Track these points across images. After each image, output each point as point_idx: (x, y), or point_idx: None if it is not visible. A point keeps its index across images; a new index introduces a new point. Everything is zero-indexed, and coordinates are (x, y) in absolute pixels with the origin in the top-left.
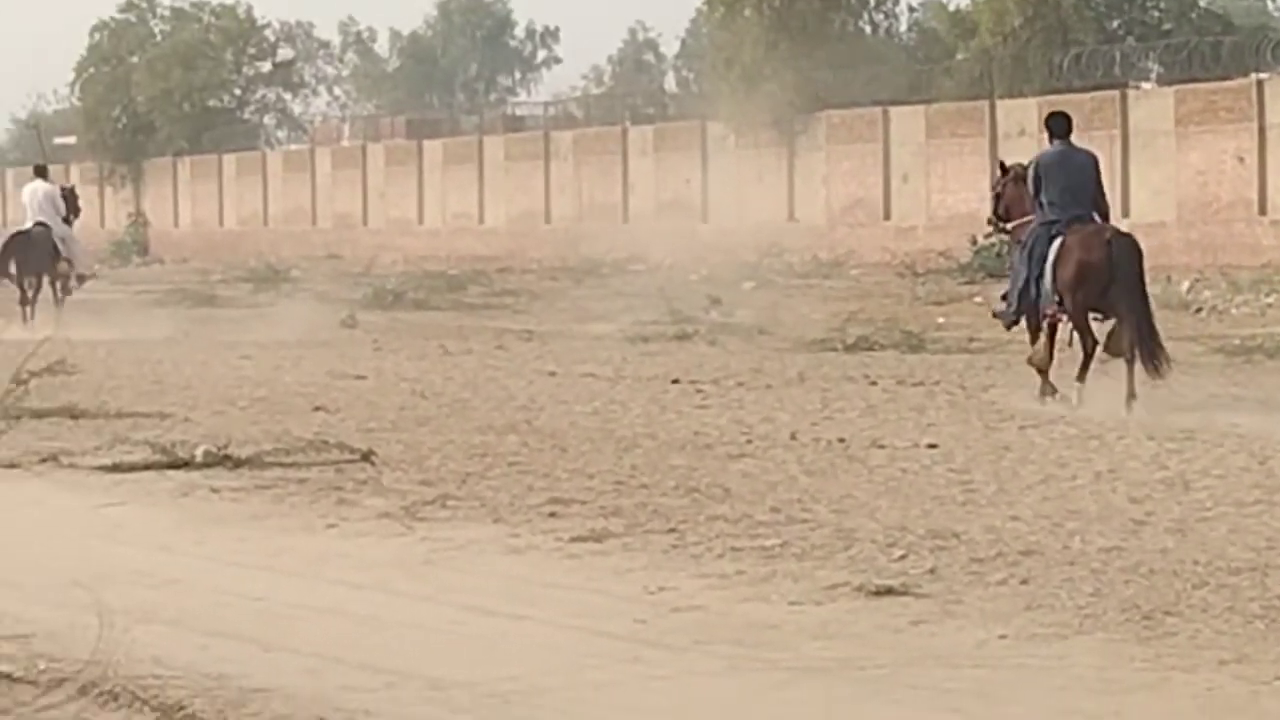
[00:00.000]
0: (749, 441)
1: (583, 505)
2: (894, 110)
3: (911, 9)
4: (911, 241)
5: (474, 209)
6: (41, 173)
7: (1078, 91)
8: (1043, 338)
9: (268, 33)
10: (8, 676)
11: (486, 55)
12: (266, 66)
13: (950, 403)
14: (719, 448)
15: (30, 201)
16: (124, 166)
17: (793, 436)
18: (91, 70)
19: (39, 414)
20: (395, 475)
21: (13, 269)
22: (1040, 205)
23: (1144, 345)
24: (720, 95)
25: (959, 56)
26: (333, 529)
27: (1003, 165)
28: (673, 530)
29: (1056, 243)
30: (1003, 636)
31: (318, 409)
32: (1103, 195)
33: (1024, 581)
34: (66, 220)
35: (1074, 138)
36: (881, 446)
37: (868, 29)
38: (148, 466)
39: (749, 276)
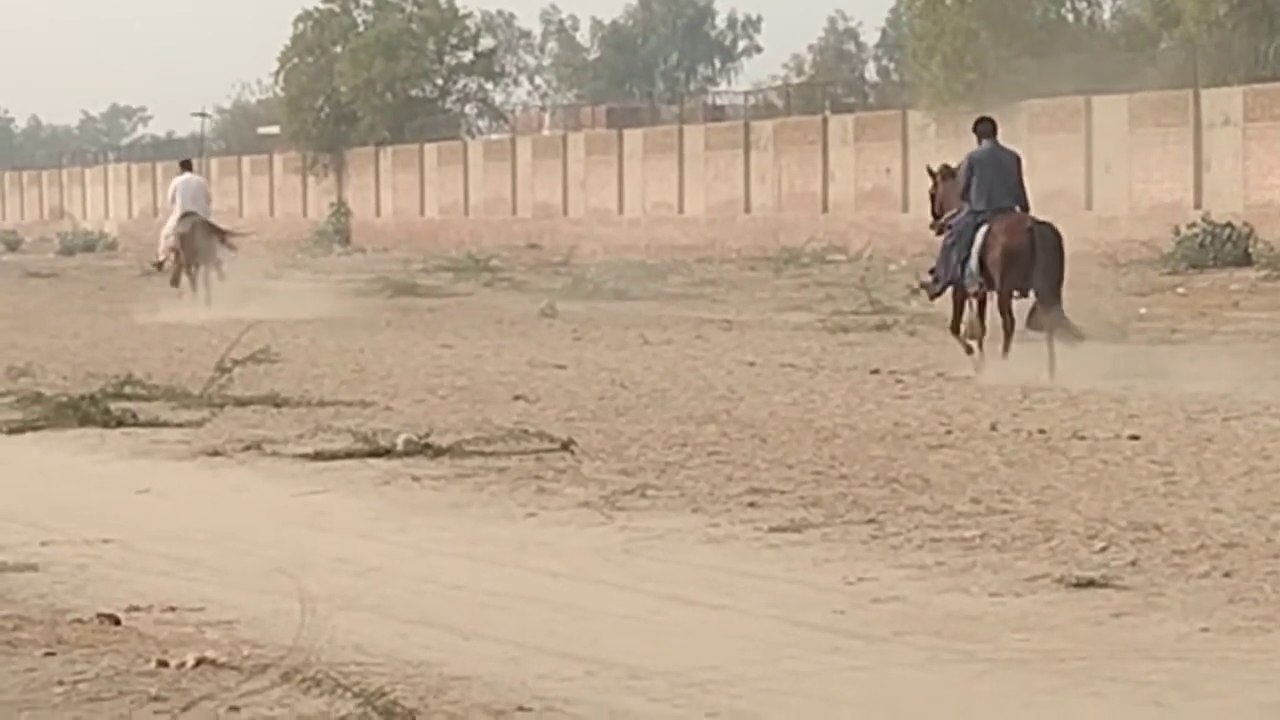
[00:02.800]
0: (949, 432)
1: (782, 495)
2: (1096, 99)
3: None
4: (1114, 231)
5: (674, 198)
6: (188, 166)
7: None
8: (971, 312)
9: (469, 22)
10: (212, 662)
11: (687, 44)
12: (468, 56)
13: (1152, 394)
14: (919, 438)
15: (183, 193)
16: (326, 156)
17: (993, 427)
18: (295, 60)
19: (242, 402)
20: (595, 464)
21: (183, 255)
22: (969, 197)
23: (1057, 326)
24: (921, 84)
25: (1163, 45)
26: (532, 518)
27: (930, 170)
28: (872, 521)
29: (982, 230)
30: (1205, 630)
31: (517, 398)
32: (1024, 190)
33: (1227, 574)
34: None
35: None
36: (1082, 438)
37: (1070, 17)
38: (349, 455)
39: None
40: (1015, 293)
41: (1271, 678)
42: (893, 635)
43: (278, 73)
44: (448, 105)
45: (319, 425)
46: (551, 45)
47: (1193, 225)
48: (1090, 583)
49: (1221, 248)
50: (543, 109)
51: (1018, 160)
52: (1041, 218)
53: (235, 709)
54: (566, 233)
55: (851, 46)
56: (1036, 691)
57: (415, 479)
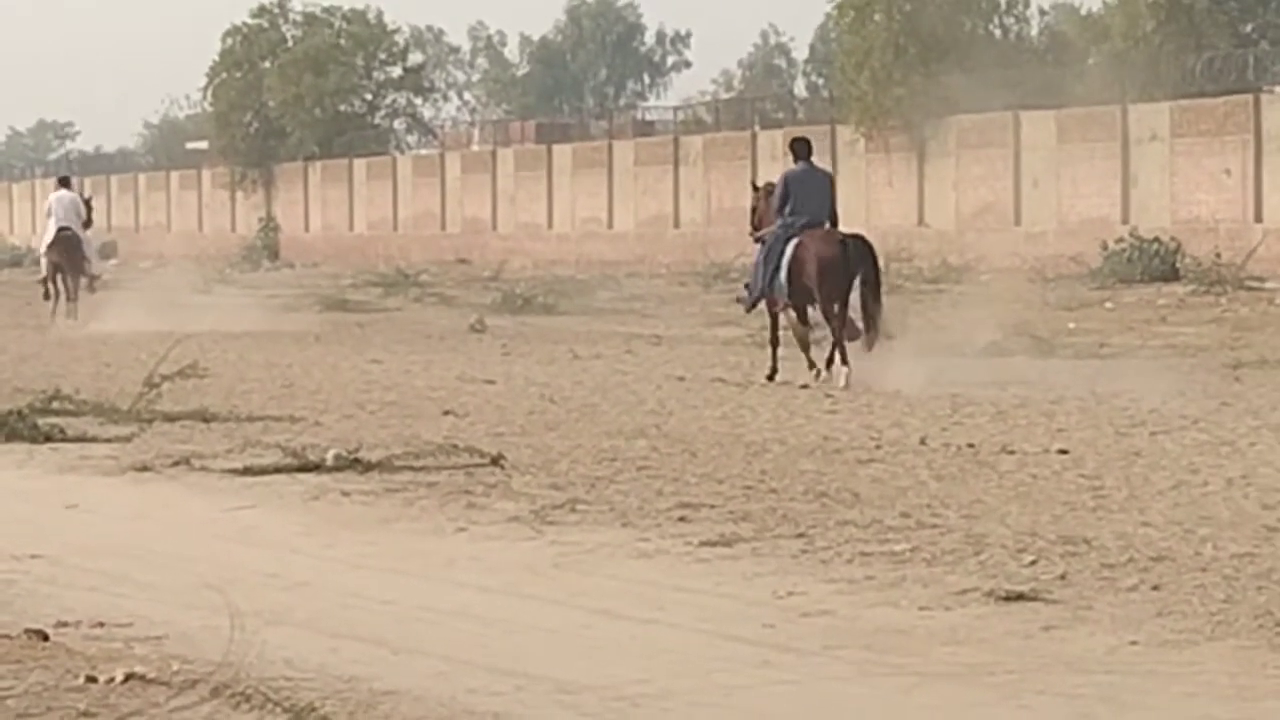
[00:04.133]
0: (878, 447)
1: (712, 510)
2: (1025, 115)
3: (1043, 12)
4: (1042, 247)
5: (603, 214)
6: (65, 183)
7: (1210, 96)
8: (794, 323)
9: (398, 38)
10: (142, 678)
11: (616, 60)
12: (397, 71)
13: (1081, 408)
14: (848, 453)
15: (57, 208)
16: (255, 171)
17: (922, 441)
18: (224, 75)
19: (171, 417)
20: (524, 479)
21: (55, 268)
22: (783, 214)
23: (872, 326)
24: (850, 99)
25: (1090, 60)
26: (462, 532)
27: (754, 185)
28: (802, 535)
29: (792, 244)
30: (1134, 643)
31: (447, 413)
32: (835, 208)
33: (1155, 588)
34: (85, 226)
35: (1094, 145)
36: (1012, 452)
37: (998, 33)
38: (278, 470)
39: None
40: (835, 303)
41: (1200, 691)
42: (823, 649)
43: (206, 88)
44: (377, 121)
45: (248, 440)
46: (480, 61)
47: (1120, 240)
48: (1019, 596)
49: (1149, 263)
50: (472, 124)
51: (831, 180)
52: (849, 231)
53: None
54: (496, 248)
55: (781, 62)
56: (966, 704)
57: (345, 494)
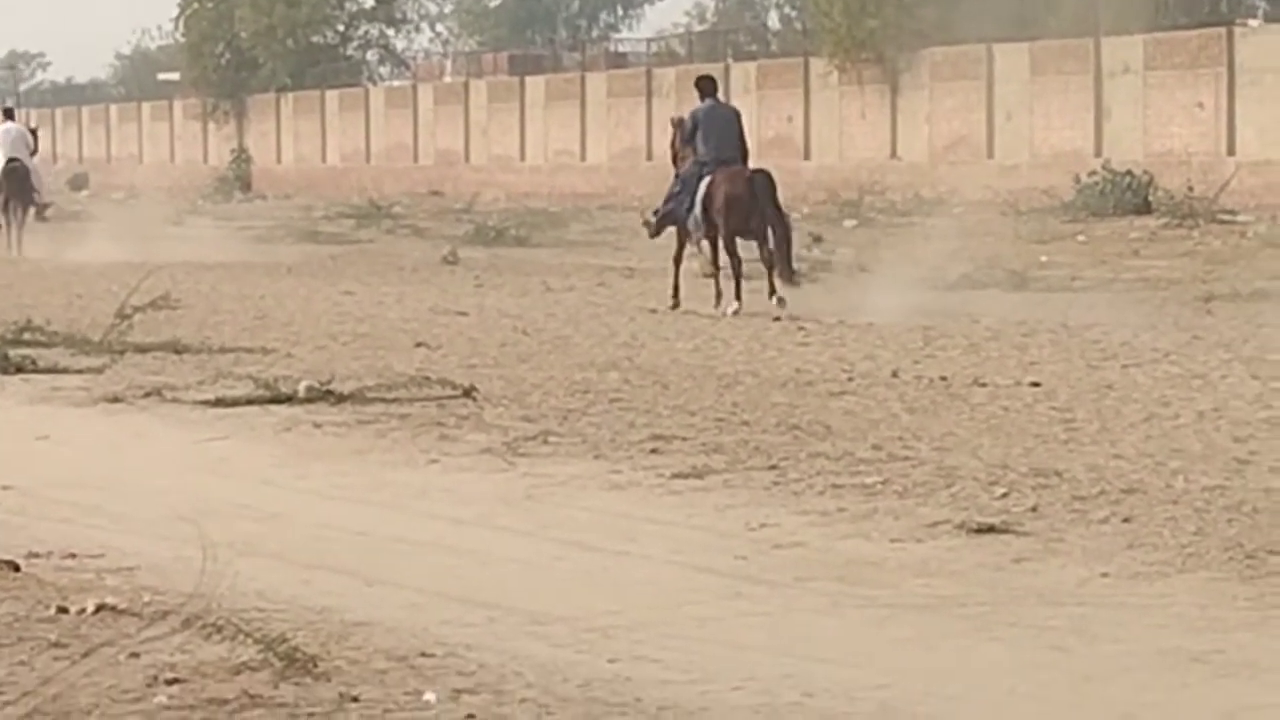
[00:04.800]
0: (850, 379)
1: (684, 442)
2: (998, 47)
3: None
4: (1015, 179)
5: (576, 146)
6: (9, 114)
7: (1184, 28)
8: (704, 256)
9: None
10: (113, 608)
11: None
12: (369, 2)
13: (1053, 341)
14: (820, 385)
15: (4, 140)
16: (227, 102)
17: (894, 374)
18: (195, 6)
19: (143, 348)
20: (497, 411)
21: (9, 199)
22: (695, 149)
23: (781, 260)
24: (823, 31)
25: None
26: (434, 464)
27: (672, 120)
28: (774, 467)
29: (705, 180)
30: (1105, 575)
31: (420, 345)
32: (744, 142)
33: (1126, 520)
34: (32, 155)
35: (1054, 77)
36: (983, 384)
37: None
38: (250, 401)
39: (851, 214)
40: (738, 234)
41: (1170, 623)
42: (795, 581)
43: (178, 18)
44: (349, 52)
45: (220, 372)
46: None
47: (1093, 173)
48: (991, 528)
49: (1122, 196)
50: (444, 56)
51: (738, 115)
52: (756, 167)
53: (135, 655)
54: (468, 180)
55: None
56: (938, 636)
57: (317, 425)
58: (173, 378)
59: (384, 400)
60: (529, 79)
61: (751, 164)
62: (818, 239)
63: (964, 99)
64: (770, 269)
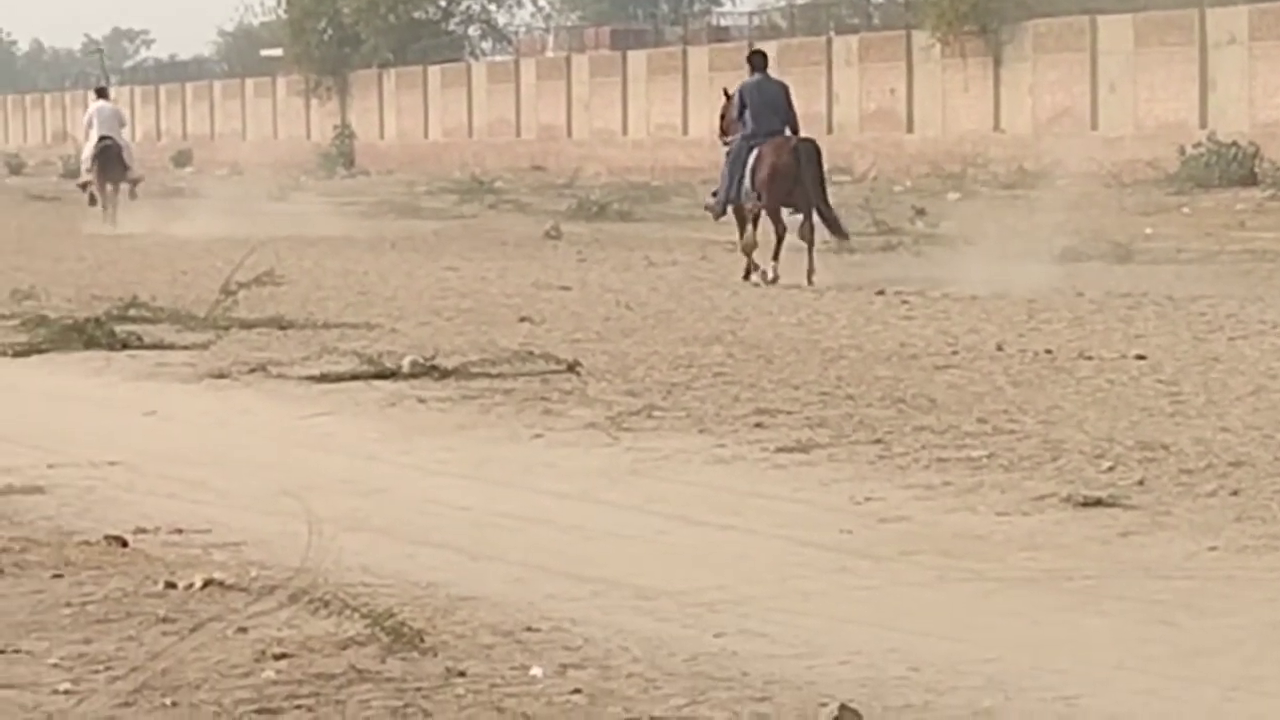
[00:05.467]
0: (955, 352)
1: (788, 416)
2: (1102, 19)
3: None
4: (1119, 152)
5: (678, 120)
6: (103, 93)
7: None
8: (749, 228)
9: None
10: (220, 583)
11: None
12: None
13: (1158, 313)
14: (925, 359)
15: (97, 119)
16: (330, 79)
17: (999, 347)
18: None
19: (247, 324)
20: (601, 385)
21: (98, 176)
22: (744, 123)
23: (828, 225)
24: (926, 4)
25: None
26: (538, 439)
27: (725, 92)
28: (879, 441)
29: (754, 152)
30: (1212, 548)
31: (523, 319)
32: (793, 114)
33: (1234, 493)
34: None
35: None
36: (1089, 357)
37: None
38: (355, 377)
39: (954, 187)
40: (782, 204)
41: (1278, 595)
42: (900, 555)
43: None
44: (451, 27)
45: (324, 347)
46: None
47: (1198, 145)
48: (1097, 502)
49: (1227, 167)
50: (546, 31)
51: (785, 90)
52: (804, 136)
53: (243, 630)
54: (570, 154)
55: None
56: (1044, 610)
57: (421, 401)
58: (277, 353)
59: (488, 375)
60: (631, 53)
61: (804, 134)
62: (921, 212)
63: (1067, 71)
64: (810, 245)
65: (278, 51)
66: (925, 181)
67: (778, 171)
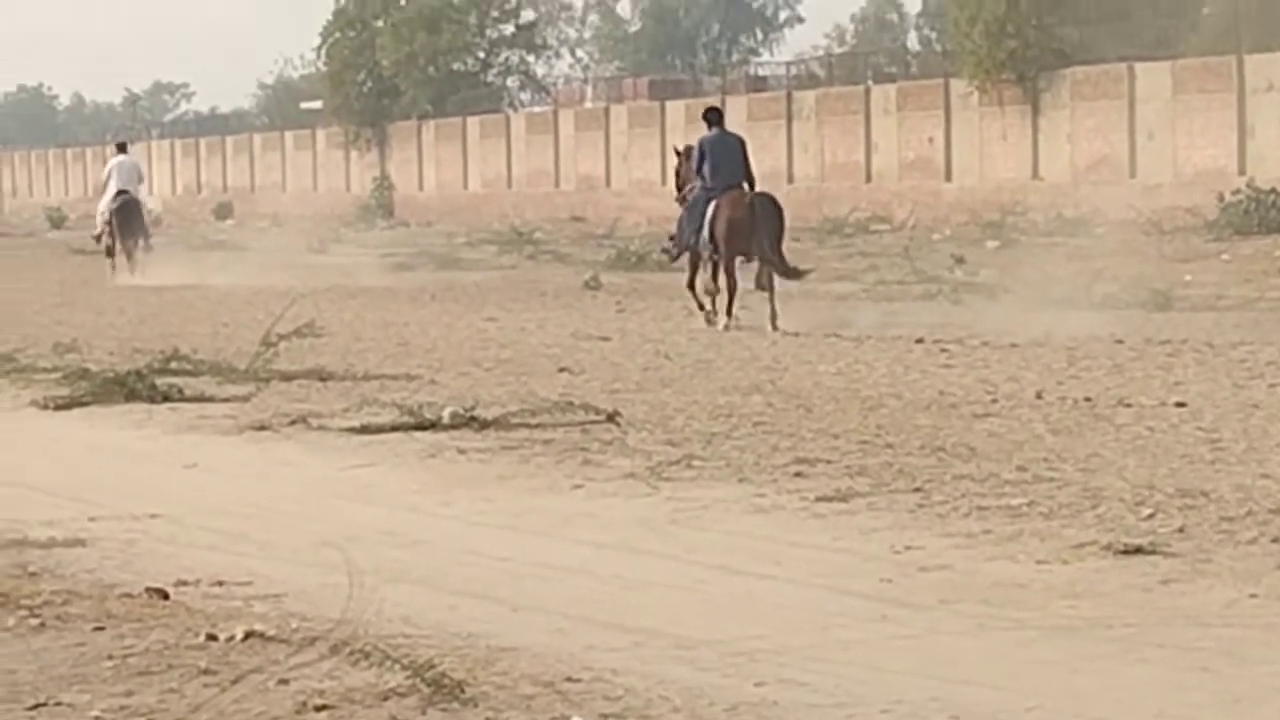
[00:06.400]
0: (994, 400)
1: (828, 465)
2: (1140, 66)
3: None
4: (1158, 199)
5: None
6: (123, 148)
7: None
8: (706, 275)
9: None
10: (261, 635)
11: (728, 15)
12: (510, 29)
13: (1198, 360)
14: (964, 407)
15: (118, 173)
16: (369, 130)
17: (1038, 395)
18: (337, 35)
19: (288, 376)
20: (640, 435)
21: (115, 230)
22: (702, 176)
23: (781, 272)
24: (963, 53)
25: (1205, 10)
26: (579, 489)
27: (675, 149)
28: (918, 489)
29: (712, 205)
30: (1253, 595)
31: (562, 370)
32: (749, 168)
33: (1275, 540)
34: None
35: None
36: (1129, 405)
37: None
38: (395, 428)
39: (993, 235)
40: (739, 257)
41: None
42: (940, 603)
43: (320, 47)
44: (490, 78)
45: (364, 399)
46: (592, 18)
47: (1237, 192)
48: (1138, 549)
49: (1266, 214)
50: (585, 81)
51: (742, 143)
52: (760, 190)
53: (285, 681)
54: (609, 205)
55: (893, 15)
56: (1085, 658)
57: (461, 451)
58: (318, 405)
59: (528, 426)
60: (669, 103)
61: (760, 188)
62: (960, 260)
63: (1105, 118)
64: (771, 291)
65: (317, 104)
66: (964, 230)
67: (734, 225)
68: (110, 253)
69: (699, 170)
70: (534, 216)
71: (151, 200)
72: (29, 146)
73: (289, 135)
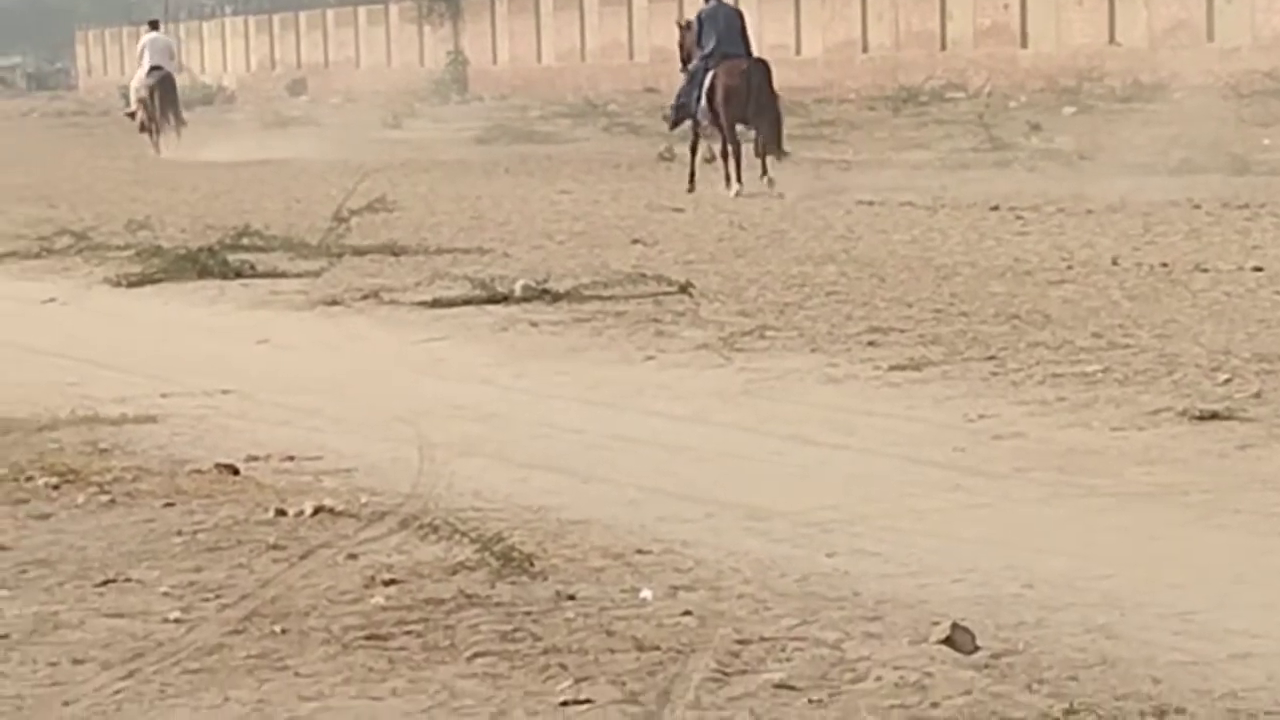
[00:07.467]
0: (1069, 268)
1: (901, 334)
2: None
3: None
4: (1236, 63)
5: (790, 39)
6: (155, 25)
7: None
8: (706, 143)
9: None
10: (330, 510)
11: None
12: None
13: (1276, 224)
14: (1039, 274)
15: (150, 50)
16: (442, 5)
17: (1114, 261)
18: None
19: (360, 251)
20: (713, 306)
21: (149, 106)
22: (701, 47)
23: (772, 140)
24: None
25: None
26: (651, 361)
27: (678, 23)
28: (992, 357)
29: (710, 74)
30: None
31: (635, 242)
32: (746, 38)
33: None
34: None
35: None
36: (1205, 270)
37: None
38: (467, 302)
39: (1069, 101)
40: (737, 122)
41: None
42: (1014, 471)
43: None
44: None
45: (436, 273)
46: None
47: None
48: (1214, 415)
49: None
50: None
51: (739, 14)
52: (756, 57)
53: (353, 556)
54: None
55: None
56: (1161, 525)
57: (533, 324)
58: (390, 279)
59: (600, 298)
60: None
61: (757, 55)
62: (1036, 127)
63: None
64: (763, 156)
65: None
66: (1040, 96)
67: (731, 92)
68: (145, 128)
69: (698, 41)
70: (608, 89)
71: (181, 77)
72: (103, 26)
73: (362, 10)
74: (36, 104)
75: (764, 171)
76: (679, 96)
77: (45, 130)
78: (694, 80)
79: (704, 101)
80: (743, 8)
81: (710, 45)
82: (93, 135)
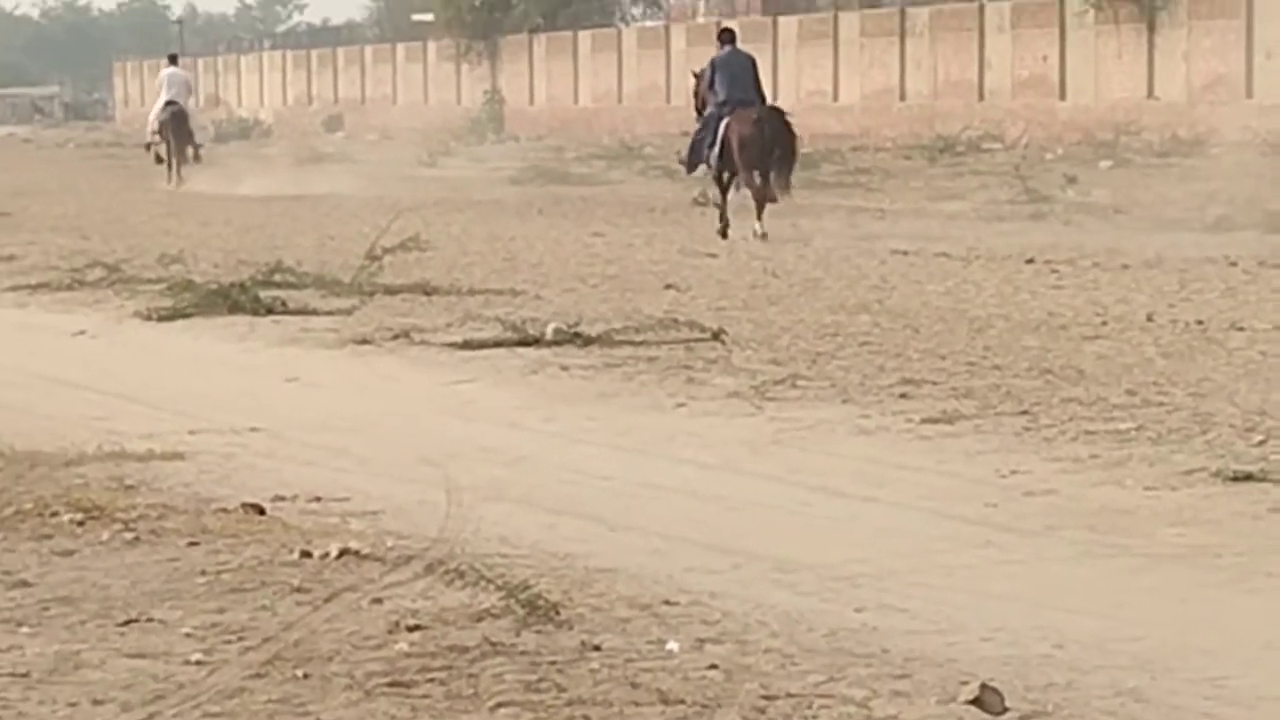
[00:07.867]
0: (1104, 323)
1: (934, 386)
2: None
3: None
4: (1274, 119)
5: (828, 86)
6: (174, 60)
7: None
8: (718, 189)
9: None
10: (356, 553)
11: None
12: None
13: None
14: (1073, 329)
15: (168, 84)
16: (480, 44)
17: (1149, 318)
18: None
19: (392, 290)
20: (745, 354)
21: (169, 137)
22: (715, 94)
23: (781, 180)
24: None
25: None
26: (681, 408)
27: (693, 72)
28: (1025, 412)
29: (724, 121)
30: None
31: (668, 287)
32: (759, 85)
33: None
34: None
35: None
36: (1241, 329)
37: None
38: (498, 343)
39: (1106, 155)
40: (754, 170)
41: None
42: (1045, 529)
43: None
44: None
45: (468, 314)
46: None
47: None
48: (1248, 476)
49: None
50: None
51: (753, 61)
52: (771, 105)
53: (378, 601)
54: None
55: None
56: (1192, 587)
57: (564, 368)
58: (421, 319)
59: (632, 343)
60: (781, 19)
61: (776, 104)
62: (1072, 180)
63: (1222, 37)
64: (761, 204)
65: (429, 16)
66: (1077, 149)
67: (746, 141)
68: (160, 159)
69: (711, 87)
70: (644, 132)
71: (198, 113)
72: (141, 57)
73: (400, 48)
74: (73, 134)
75: (759, 215)
76: (693, 143)
77: (81, 161)
78: (707, 126)
79: (717, 148)
80: (781, 54)
81: (724, 93)
82: (128, 167)
